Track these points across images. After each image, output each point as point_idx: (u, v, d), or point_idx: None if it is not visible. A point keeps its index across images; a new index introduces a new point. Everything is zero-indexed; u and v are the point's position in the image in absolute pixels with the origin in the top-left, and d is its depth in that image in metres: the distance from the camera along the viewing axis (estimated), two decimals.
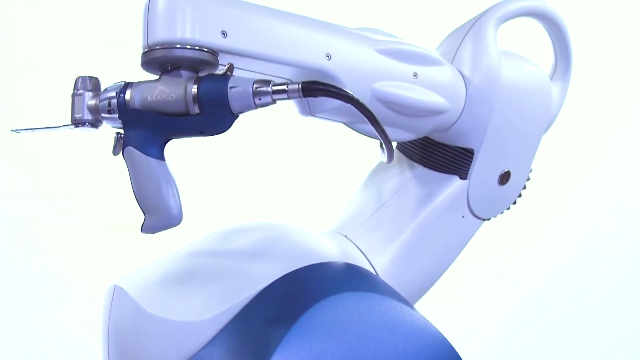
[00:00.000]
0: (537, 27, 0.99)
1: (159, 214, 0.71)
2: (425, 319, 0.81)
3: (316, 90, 0.68)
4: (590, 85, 1.58)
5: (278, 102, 0.69)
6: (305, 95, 0.68)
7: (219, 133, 0.70)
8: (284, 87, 0.68)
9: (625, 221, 1.86)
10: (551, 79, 1.01)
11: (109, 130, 0.74)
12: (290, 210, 1.47)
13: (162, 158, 0.71)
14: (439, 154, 0.93)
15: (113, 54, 1.54)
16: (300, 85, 0.68)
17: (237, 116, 0.69)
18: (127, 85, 0.71)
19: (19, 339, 1.64)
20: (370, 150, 0.89)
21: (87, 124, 0.72)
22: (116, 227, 1.56)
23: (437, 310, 1.00)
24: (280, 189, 1.67)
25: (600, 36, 1.75)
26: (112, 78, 0.74)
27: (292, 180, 1.67)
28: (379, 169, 0.99)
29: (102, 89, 0.73)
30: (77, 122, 0.72)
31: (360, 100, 0.70)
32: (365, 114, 0.70)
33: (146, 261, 0.84)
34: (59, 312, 1.66)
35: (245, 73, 0.74)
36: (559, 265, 1.84)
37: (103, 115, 0.71)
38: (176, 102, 0.69)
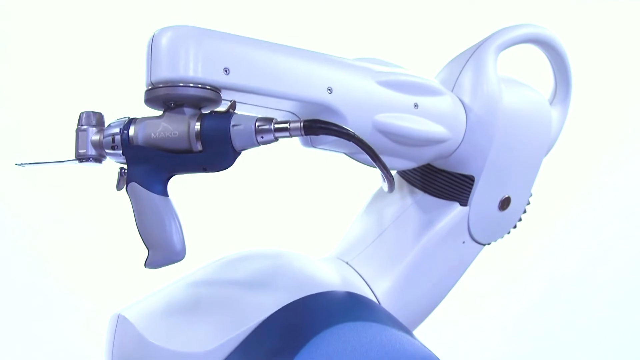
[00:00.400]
0: (536, 52, 1.00)
1: (162, 250, 0.71)
2: (426, 347, 0.81)
3: (318, 128, 0.69)
4: (591, 91, 1.59)
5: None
6: (307, 134, 0.69)
7: (222, 170, 0.70)
8: (286, 125, 0.69)
9: (627, 228, 1.87)
10: (551, 103, 1.02)
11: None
12: (292, 236, 1.48)
13: (165, 194, 0.72)
14: (439, 180, 0.93)
15: (113, 54, 1.54)
16: (302, 124, 0.69)
17: (240, 153, 0.70)
18: (131, 121, 0.71)
19: (18, 347, 1.65)
20: (371, 175, 0.90)
21: (91, 159, 0.73)
22: (117, 235, 1.56)
23: (437, 315, 1.00)
24: (283, 214, 1.67)
25: (600, 44, 1.75)
26: (112, 81, 0.73)
27: (294, 205, 1.68)
28: (379, 194, 0.99)
29: (106, 124, 0.73)
30: (81, 158, 0.73)
31: (361, 138, 0.70)
32: (366, 151, 0.71)
33: (145, 269, 0.84)
34: (59, 322, 1.67)
35: (247, 107, 0.74)
36: (560, 271, 1.85)
37: (107, 151, 0.72)
38: (179, 139, 0.69)
